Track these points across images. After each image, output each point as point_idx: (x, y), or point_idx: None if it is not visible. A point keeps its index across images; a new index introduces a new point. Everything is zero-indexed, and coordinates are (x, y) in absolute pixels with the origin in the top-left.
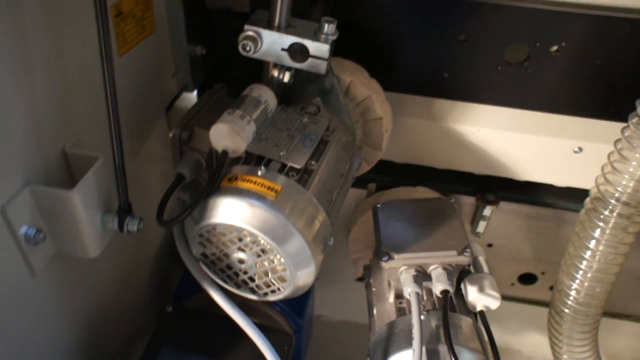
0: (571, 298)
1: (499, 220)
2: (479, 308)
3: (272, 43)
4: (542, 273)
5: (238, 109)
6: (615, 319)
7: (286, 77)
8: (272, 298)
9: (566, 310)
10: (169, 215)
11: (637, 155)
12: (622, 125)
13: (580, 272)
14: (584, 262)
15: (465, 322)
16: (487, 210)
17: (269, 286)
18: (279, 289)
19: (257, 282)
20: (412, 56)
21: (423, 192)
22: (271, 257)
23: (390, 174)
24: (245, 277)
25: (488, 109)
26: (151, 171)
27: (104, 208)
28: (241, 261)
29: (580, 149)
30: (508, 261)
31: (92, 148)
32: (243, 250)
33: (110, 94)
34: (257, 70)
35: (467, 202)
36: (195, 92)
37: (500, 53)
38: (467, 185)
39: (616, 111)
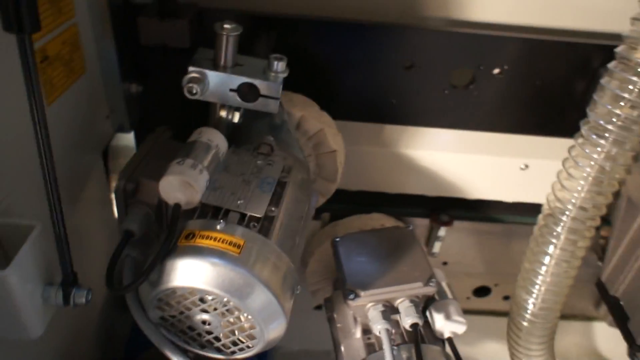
0: (528, 311)
1: (453, 238)
2: (446, 335)
3: (220, 84)
4: (496, 285)
5: (188, 158)
6: (562, 320)
7: (235, 118)
8: (241, 356)
9: (524, 323)
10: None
11: (584, 174)
12: (563, 141)
13: (536, 286)
14: (539, 277)
15: (436, 351)
16: (442, 231)
17: (236, 344)
18: (247, 347)
19: (223, 341)
20: (359, 84)
21: (378, 219)
22: (238, 316)
23: (343, 202)
24: (210, 337)
25: (436, 132)
26: (91, 222)
27: (45, 281)
28: (205, 322)
29: (527, 166)
30: (462, 276)
31: (25, 213)
32: (207, 312)
33: (44, 150)
34: (202, 109)
35: (422, 224)
36: (132, 133)
37: (446, 77)
38: (420, 207)
39: (556, 128)
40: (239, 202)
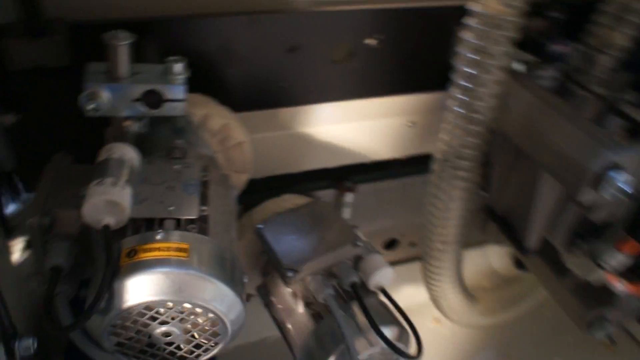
0: (437, 245)
1: (359, 202)
2: (380, 285)
3: (120, 96)
4: (402, 235)
5: (106, 177)
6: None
7: (142, 127)
8: (205, 357)
9: (435, 256)
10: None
11: (461, 118)
12: (442, 95)
13: (440, 221)
14: (441, 214)
15: (375, 302)
16: (349, 197)
17: (200, 346)
18: (211, 346)
19: (185, 348)
20: (249, 74)
21: (290, 199)
22: (199, 318)
23: (252, 191)
24: (171, 348)
25: (328, 106)
26: None
27: None
28: (166, 334)
29: (414, 123)
30: (373, 235)
31: None
32: (166, 323)
33: None
34: (98, 125)
35: (329, 194)
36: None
37: (328, 54)
38: (325, 179)
39: (435, 84)
40: (169, 208)
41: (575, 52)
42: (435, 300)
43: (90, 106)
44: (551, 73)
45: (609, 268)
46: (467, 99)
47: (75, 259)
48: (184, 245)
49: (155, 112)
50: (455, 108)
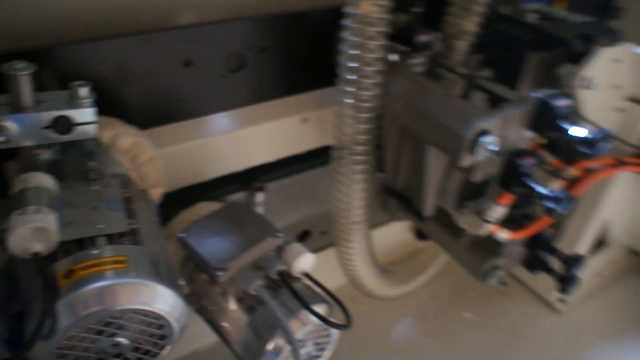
0: (348, 225)
1: (270, 199)
2: (302, 270)
3: (29, 125)
4: (312, 226)
5: (27, 206)
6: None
7: (52, 154)
8: None
9: (346, 237)
10: None
11: (351, 108)
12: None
13: (346, 204)
14: (346, 197)
15: (301, 286)
16: (259, 197)
17: (148, 352)
18: (160, 348)
19: (134, 356)
20: (148, 92)
21: (204, 207)
22: (146, 324)
23: (166, 205)
24: None
25: (228, 114)
26: None
27: None
28: (115, 345)
29: (307, 119)
30: (287, 229)
31: None
32: (114, 335)
33: None
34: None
35: (241, 197)
36: None
37: (222, 64)
38: (235, 183)
39: (324, 81)
40: (98, 226)
41: (437, 40)
42: (352, 280)
43: (0, 139)
44: (420, 60)
45: (492, 220)
46: (355, 90)
47: (3, 296)
48: (121, 257)
49: (67, 137)
50: (346, 100)
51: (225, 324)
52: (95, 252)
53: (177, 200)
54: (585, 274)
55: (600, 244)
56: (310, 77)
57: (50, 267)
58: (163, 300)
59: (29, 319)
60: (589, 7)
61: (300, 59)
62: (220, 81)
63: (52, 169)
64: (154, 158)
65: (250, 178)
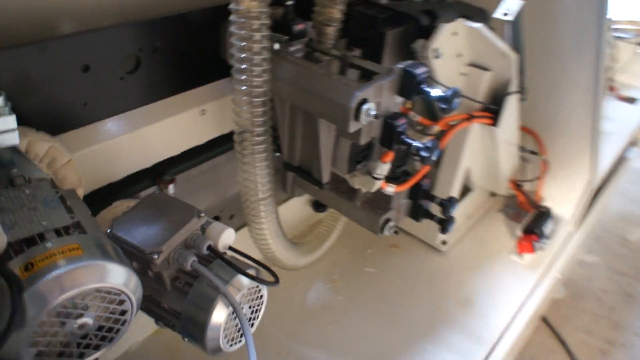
0: (255, 201)
1: (180, 191)
2: (227, 245)
3: None
4: (221, 211)
5: None
6: None
7: None
8: (118, 337)
9: (258, 218)
10: None
11: (244, 94)
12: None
13: (252, 184)
14: (251, 176)
15: (229, 257)
16: (170, 189)
17: (112, 329)
18: (122, 323)
19: (99, 335)
20: (49, 99)
21: (121, 205)
22: (107, 301)
23: None
24: (86, 341)
25: (130, 114)
26: None
27: None
28: (81, 327)
29: (204, 111)
30: None
31: None
32: (80, 317)
33: None
34: None
35: (153, 191)
36: None
37: (119, 67)
38: (146, 179)
39: (219, 74)
40: (42, 223)
41: (310, 28)
42: (265, 254)
43: None
44: (299, 46)
45: (380, 177)
46: (247, 77)
47: None
48: (74, 245)
49: None
50: (240, 87)
51: (165, 305)
52: (49, 244)
53: (94, 202)
54: (458, 217)
55: (465, 190)
56: (201, 72)
57: (5, 265)
58: (119, 276)
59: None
60: None
61: (191, 55)
62: (119, 83)
63: None
64: (70, 161)
65: (160, 173)
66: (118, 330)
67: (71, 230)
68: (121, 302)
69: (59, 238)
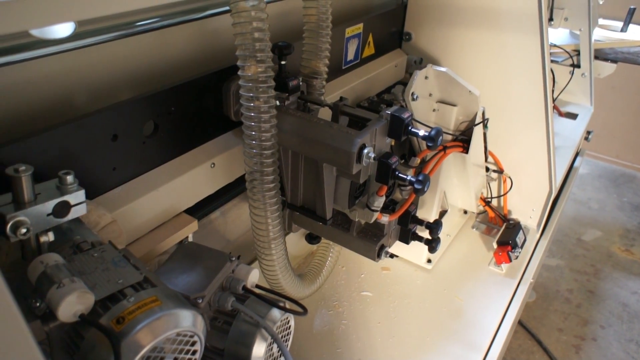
0: (266, 234)
1: (199, 237)
2: (254, 283)
3: (37, 216)
4: (229, 252)
5: (62, 279)
6: None
7: (51, 236)
8: None
9: (268, 256)
10: None
11: (254, 151)
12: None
13: (261, 227)
14: (262, 212)
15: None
16: (190, 237)
17: None
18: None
19: None
20: (84, 167)
21: None
22: (183, 343)
23: None
24: None
25: (151, 174)
26: None
27: None
28: None
29: (214, 164)
30: None
31: None
32: (163, 358)
33: None
34: None
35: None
36: None
37: (141, 132)
38: None
39: (224, 129)
40: (119, 281)
41: (301, 82)
42: (274, 288)
43: (22, 231)
44: (294, 99)
45: (377, 209)
46: (256, 132)
47: None
48: (152, 298)
49: (65, 219)
50: (251, 142)
51: (207, 345)
52: (132, 299)
53: None
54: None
55: (443, 212)
56: (208, 128)
57: (98, 322)
58: (190, 320)
59: None
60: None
61: (199, 115)
62: (141, 147)
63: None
64: (114, 221)
65: None
66: None
67: (144, 284)
68: (193, 343)
69: (137, 293)
